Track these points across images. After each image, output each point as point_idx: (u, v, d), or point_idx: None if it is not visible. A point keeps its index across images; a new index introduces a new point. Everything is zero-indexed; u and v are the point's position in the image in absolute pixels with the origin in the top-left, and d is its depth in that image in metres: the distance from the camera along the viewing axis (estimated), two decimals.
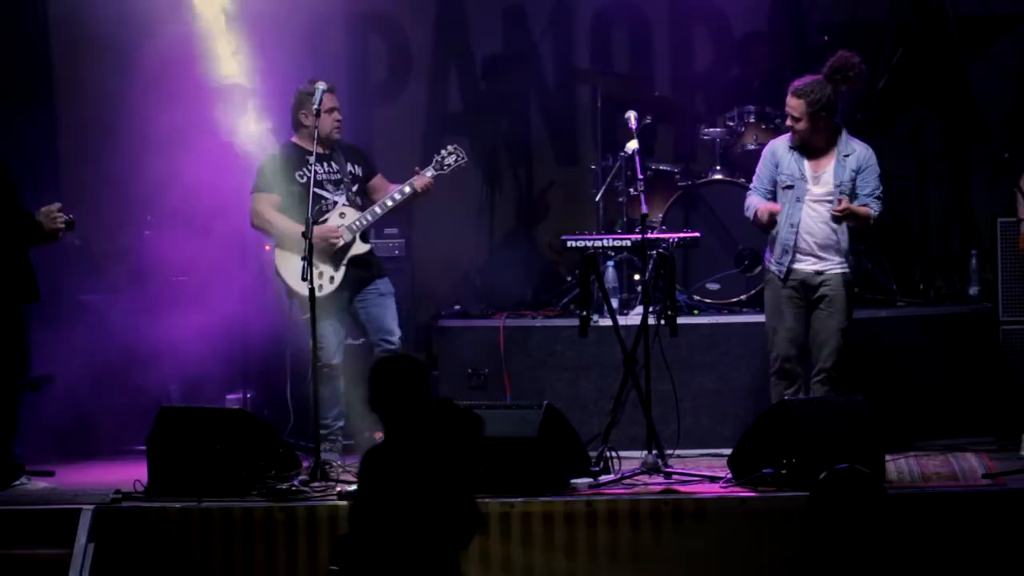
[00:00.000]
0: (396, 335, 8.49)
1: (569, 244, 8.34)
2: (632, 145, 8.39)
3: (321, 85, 8.35)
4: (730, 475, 7.66)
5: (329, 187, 8.47)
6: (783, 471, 7.38)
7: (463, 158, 8.55)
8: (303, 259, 8.10)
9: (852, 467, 4.50)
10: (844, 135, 8.18)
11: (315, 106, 8.31)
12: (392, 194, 8.49)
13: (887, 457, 7.67)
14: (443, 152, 8.54)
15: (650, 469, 7.82)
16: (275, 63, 9.37)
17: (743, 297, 9.37)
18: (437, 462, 5.45)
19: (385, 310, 8.52)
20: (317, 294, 8.14)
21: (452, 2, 9.86)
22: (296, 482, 7.79)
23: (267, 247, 8.67)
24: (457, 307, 9.70)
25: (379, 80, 9.99)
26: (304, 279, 8.08)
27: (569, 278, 9.59)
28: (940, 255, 10.14)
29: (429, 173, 8.46)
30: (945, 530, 7.09)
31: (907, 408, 8.69)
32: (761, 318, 8.47)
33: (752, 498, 7.32)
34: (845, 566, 4.37)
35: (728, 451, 7.93)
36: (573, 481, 7.64)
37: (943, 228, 10.26)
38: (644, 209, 8.10)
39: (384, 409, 5.60)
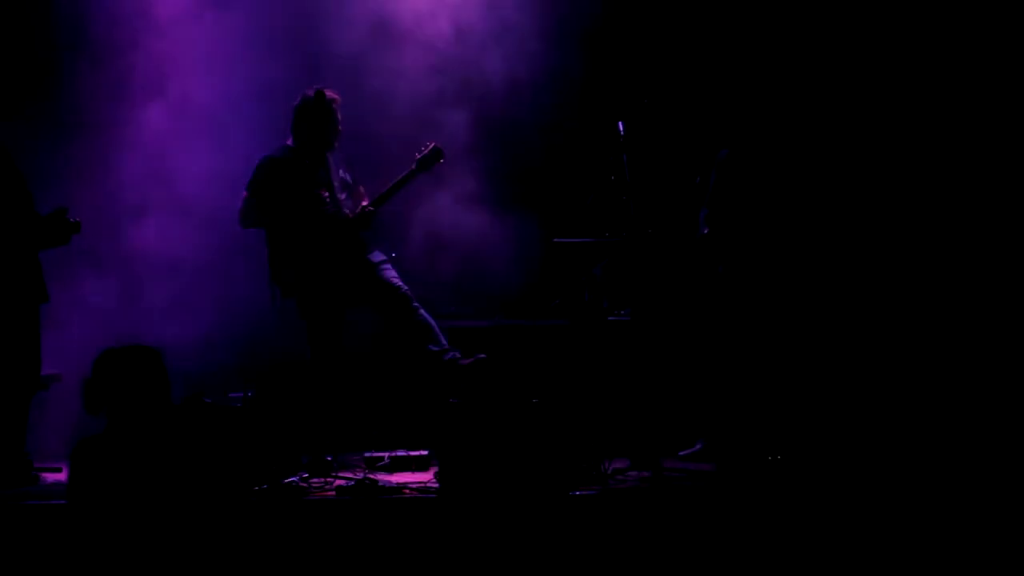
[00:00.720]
0: (402, 288, 8.66)
1: (561, 247, 8.55)
2: (622, 152, 8.58)
3: (327, 95, 8.54)
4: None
5: (322, 191, 8.64)
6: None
7: (441, 156, 8.75)
8: (301, 261, 8.29)
9: None
10: None
11: (319, 115, 8.49)
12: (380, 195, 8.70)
13: None
14: (422, 149, 8.74)
15: (640, 466, 8.06)
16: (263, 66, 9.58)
17: None
18: (171, 458, 5.32)
19: (381, 275, 8.68)
20: (317, 294, 8.33)
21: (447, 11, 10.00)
22: (296, 478, 8.01)
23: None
24: (452, 309, 9.81)
25: (375, 87, 10.10)
26: (302, 281, 8.28)
27: (561, 280, 9.64)
28: None
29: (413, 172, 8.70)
30: None
31: None
32: None
33: (738, 493, 7.47)
34: None
35: None
36: (565, 478, 7.74)
37: None
38: (633, 212, 8.30)
39: (111, 400, 5.42)
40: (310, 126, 8.58)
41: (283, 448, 8.12)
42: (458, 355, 8.53)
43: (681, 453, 8.46)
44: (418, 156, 8.71)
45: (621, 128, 8.61)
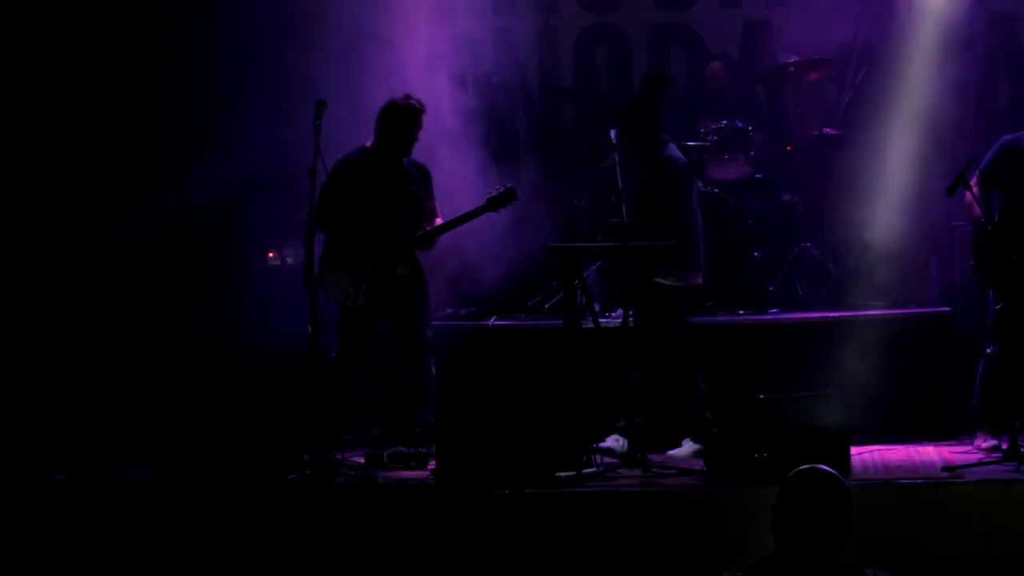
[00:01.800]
0: (427, 340, 8.73)
1: (555, 251, 8.65)
2: (613, 158, 8.77)
3: (416, 104, 8.57)
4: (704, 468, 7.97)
5: (393, 201, 8.66)
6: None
7: (514, 198, 8.76)
8: (352, 271, 8.47)
9: (815, 467, 4.83)
10: None
11: (400, 121, 8.55)
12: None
13: (852, 451, 7.96)
14: (498, 188, 8.78)
15: (631, 464, 8.16)
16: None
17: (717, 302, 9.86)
18: None
19: (419, 318, 8.75)
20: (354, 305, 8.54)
21: (445, 24, 10.16)
22: (298, 475, 8.10)
23: (270, 254, 8.95)
24: (449, 310, 9.98)
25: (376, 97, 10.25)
26: (347, 292, 8.47)
27: (554, 282, 9.80)
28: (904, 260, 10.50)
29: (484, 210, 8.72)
30: (906, 519, 7.42)
31: (872, 404, 8.83)
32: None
33: (727, 491, 7.59)
34: (810, 557, 4.72)
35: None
36: (558, 475, 7.86)
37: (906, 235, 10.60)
38: (625, 218, 8.51)
39: None
40: (389, 131, 8.57)
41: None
42: (430, 425, 8.66)
43: (670, 452, 8.64)
44: (490, 195, 8.71)
45: (613, 136, 8.80)
